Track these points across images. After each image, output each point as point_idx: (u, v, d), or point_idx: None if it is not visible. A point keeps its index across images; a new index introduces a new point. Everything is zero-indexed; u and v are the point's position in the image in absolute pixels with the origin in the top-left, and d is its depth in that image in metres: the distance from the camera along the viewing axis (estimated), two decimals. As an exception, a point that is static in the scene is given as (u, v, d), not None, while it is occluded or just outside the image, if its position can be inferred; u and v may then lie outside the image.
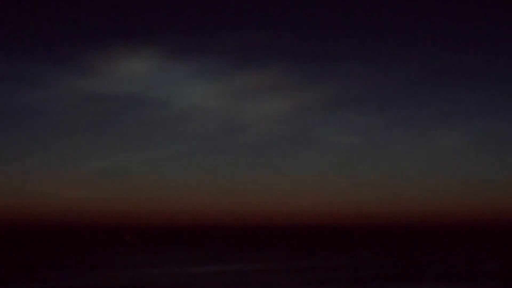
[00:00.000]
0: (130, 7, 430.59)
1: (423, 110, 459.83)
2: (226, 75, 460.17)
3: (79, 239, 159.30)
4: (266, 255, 75.91)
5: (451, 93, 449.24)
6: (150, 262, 60.68)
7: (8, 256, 72.49)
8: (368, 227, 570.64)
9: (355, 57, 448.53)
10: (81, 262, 60.59)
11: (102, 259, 66.83)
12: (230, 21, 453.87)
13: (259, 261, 63.22)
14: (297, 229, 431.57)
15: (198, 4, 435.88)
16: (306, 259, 67.12)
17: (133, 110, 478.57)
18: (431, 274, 46.32)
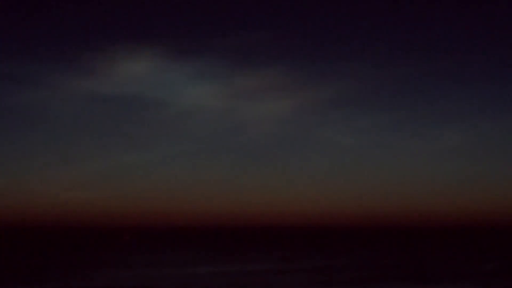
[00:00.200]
0: (131, 7, 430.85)
1: (425, 110, 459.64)
2: (227, 75, 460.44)
3: (80, 240, 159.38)
4: (268, 255, 75.97)
5: (453, 93, 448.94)
6: (152, 263, 60.76)
7: (10, 257, 72.60)
8: (370, 227, 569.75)
9: (357, 57, 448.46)
10: (82, 263, 60.69)
11: (103, 259, 66.93)
12: (231, 22, 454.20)
13: (261, 261, 63.28)
14: (298, 230, 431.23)
15: (199, 5, 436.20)
16: (308, 259, 67.20)
17: (134, 110, 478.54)
18: (433, 274, 46.39)
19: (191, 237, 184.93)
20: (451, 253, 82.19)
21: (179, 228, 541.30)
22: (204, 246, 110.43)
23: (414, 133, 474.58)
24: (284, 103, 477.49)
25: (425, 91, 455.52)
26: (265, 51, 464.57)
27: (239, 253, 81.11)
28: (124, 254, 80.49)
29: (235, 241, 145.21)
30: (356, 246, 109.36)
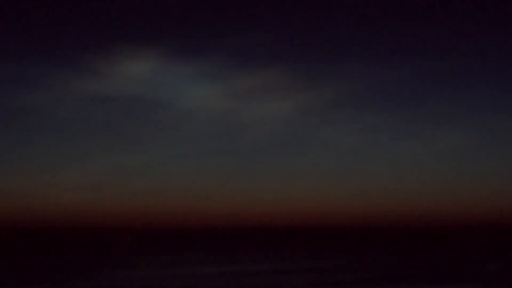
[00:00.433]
0: (132, 8, 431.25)
1: (428, 110, 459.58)
2: (229, 76, 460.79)
3: (82, 241, 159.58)
4: (271, 256, 76.10)
5: (453, 94, 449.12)
6: (154, 264, 60.91)
7: (11, 258, 72.79)
8: (371, 227, 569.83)
9: (358, 58, 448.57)
10: (84, 264, 60.85)
11: (105, 260, 67.10)
12: (232, 22, 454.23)
13: (263, 262, 63.41)
14: (300, 230, 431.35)
15: (201, 5, 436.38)
16: (311, 260, 67.34)
17: (136, 111, 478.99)
18: (435, 274, 46.51)
19: (192, 238, 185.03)
20: (452, 253, 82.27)
21: (180, 228, 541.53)
22: (206, 246, 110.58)
23: (416, 133, 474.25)
24: (285, 103, 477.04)
25: (426, 92, 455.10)
26: (266, 52, 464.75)
27: (241, 254, 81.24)
28: (126, 255, 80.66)
29: (236, 241, 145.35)
30: (357, 246, 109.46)
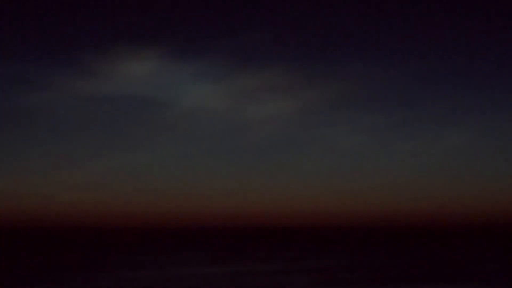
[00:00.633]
0: (133, 8, 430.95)
1: (428, 110, 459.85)
2: (230, 75, 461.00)
3: (82, 240, 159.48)
4: (273, 255, 75.96)
5: (456, 92, 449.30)
6: (156, 264, 60.76)
7: (11, 258, 72.65)
8: (373, 227, 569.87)
9: (359, 57, 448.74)
10: (85, 264, 60.71)
11: (106, 260, 66.96)
12: (233, 22, 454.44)
13: (266, 261, 63.26)
14: (302, 229, 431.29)
15: (201, 5, 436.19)
16: (312, 259, 67.18)
17: (136, 111, 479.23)
18: (436, 274, 46.36)
19: (194, 238, 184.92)
20: (454, 253, 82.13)
21: (182, 228, 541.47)
22: (208, 246, 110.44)
23: (418, 132, 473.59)
24: (285, 103, 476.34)
25: (426, 92, 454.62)
26: (268, 52, 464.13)
27: (242, 253, 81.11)
28: (126, 255, 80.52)
29: (239, 241, 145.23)
30: (358, 245, 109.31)
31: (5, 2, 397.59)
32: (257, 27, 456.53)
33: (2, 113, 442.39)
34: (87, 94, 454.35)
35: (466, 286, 38.22)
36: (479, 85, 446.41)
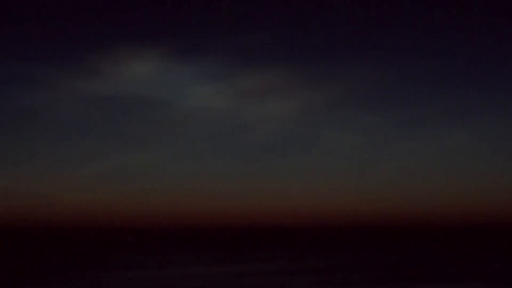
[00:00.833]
0: (135, 9, 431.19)
1: (428, 110, 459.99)
2: (231, 76, 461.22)
3: (83, 241, 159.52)
4: (275, 255, 75.94)
5: (456, 92, 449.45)
6: (157, 264, 60.77)
7: (13, 258, 72.67)
8: (374, 227, 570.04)
9: (358, 58, 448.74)
10: (86, 264, 60.72)
11: (105, 260, 66.96)
12: (234, 23, 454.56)
13: (268, 262, 63.24)
14: (302, 229, 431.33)
15: (202, 6, 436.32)
16: (313, 259, 67.17)
17: (137, 111, 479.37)
18: (437, 274, 46.35)
19: (195, 238, 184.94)
20: (454, 252, 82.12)
21: (183, 228, 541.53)
22: (209, 246, 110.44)
23: (418, 132, 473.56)
24: (286, 103, 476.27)
25: (430, 91, 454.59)
26: (268, 52, 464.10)
27: (244, 253, 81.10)
28: (126, 255, 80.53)
29: (240, 241, 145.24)
30: (360, 245, 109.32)
31: (8, 2, 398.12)
32: (258, 27, 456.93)
33: (5, 113, 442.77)
34: (89, 94, 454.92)
35: (466, 286, 38.21)
36: (479, 85, 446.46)
